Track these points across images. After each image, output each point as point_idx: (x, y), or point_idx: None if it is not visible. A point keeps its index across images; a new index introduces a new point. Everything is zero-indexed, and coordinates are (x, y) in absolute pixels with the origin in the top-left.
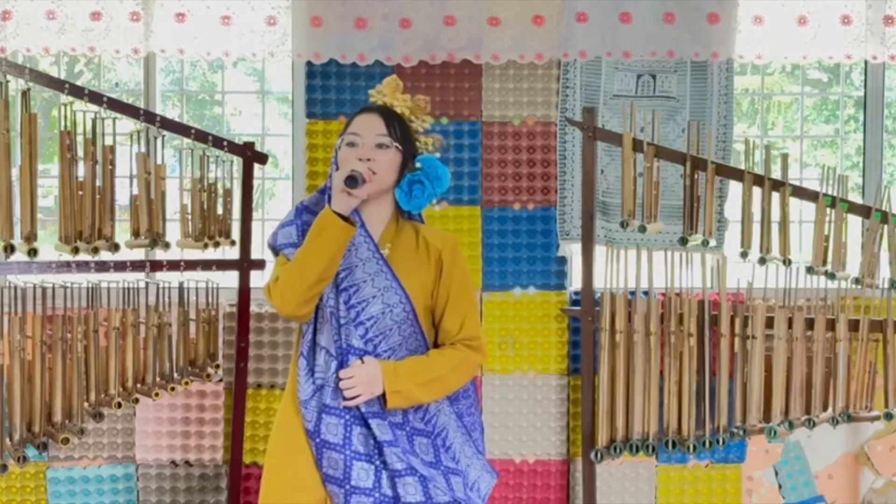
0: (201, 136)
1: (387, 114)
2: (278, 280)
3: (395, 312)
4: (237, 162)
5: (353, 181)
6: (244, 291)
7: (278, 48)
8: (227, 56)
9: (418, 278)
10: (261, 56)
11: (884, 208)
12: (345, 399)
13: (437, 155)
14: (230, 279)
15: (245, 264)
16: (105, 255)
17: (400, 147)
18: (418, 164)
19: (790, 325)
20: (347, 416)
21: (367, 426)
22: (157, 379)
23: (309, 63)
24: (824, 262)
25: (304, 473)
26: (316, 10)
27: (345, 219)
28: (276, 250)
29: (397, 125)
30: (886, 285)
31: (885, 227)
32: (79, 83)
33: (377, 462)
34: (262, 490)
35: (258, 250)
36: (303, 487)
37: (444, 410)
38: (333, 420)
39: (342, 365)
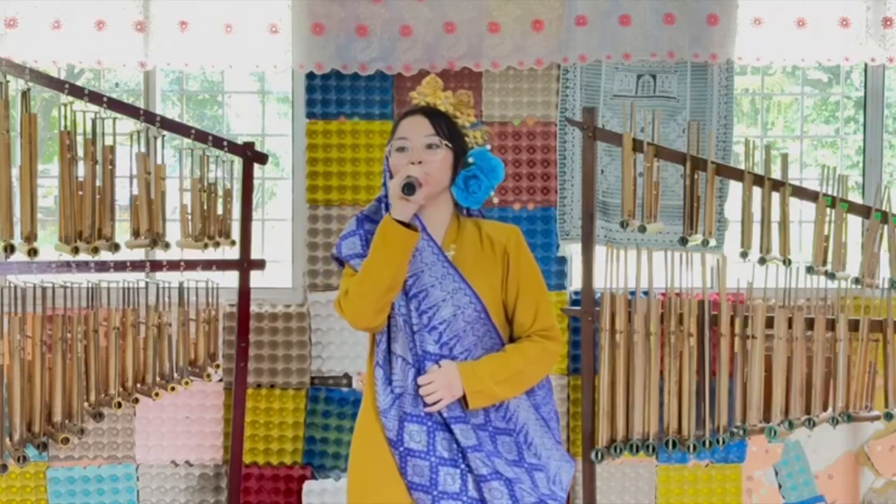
0: (201, 136)
1: (431, 113)
2: (348, 293)
3: (466, 313)
4: (237, 162)
5: (410, 188)
6: (244, 291)
7: (281, 58)
8: (231, 68)
9: (486, 276)
10: (264, 68)
11: (884, 208)
12: (426, 405)
13: (488, 147)
14: (230, 279)
15: (245, 264)
16: (105, 255)
17: (450, 145)
18: (471, 159)
19: (790, 325)
20: (430, 423)
21: (450, 431)
22: (157, 379)
23: None
24: (824, 262)
25: (389, 483)
26: (317, 16)
27: (406, 225)
28: (340, 262)
29: (444, 123)
30: (886, 285)
31: (885, 227)
32: (79, 83)
33: (462, 466)
34: (348, 497)
35: (258, 250)
36: (388, 497)
37: (522, 406)
38: (416, 427)
39: (419, 372)
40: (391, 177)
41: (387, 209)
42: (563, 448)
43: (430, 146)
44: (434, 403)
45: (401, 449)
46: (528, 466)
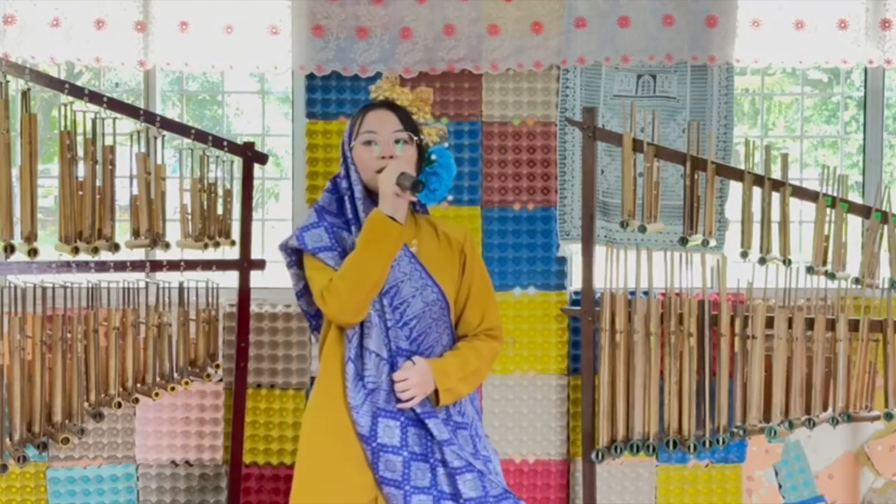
0: (201, 136)
1: (396, 108)
2: (333, 288)
3: (433, 310)
4: (237, 162)
5: (417, 184)
6: (244, 291)
7: (281, 59)
8: (231, 69)
9: (448, 273)
10: (264, 69)
11: (884, 208)
12: (399, 401)
13: (445, 144)
14: (230, 279)
15: (245, 264)
16: (105, 255)
17: (417, 140)
18: (434, 157)
19: (790, 325)
20: (403, 419)
21: (421, 426)
22: (157, 379)
23: None
24: (824, 262)
25: (358, 477)
26: (317, 18)
27: (394, 220)
28: (296, 253)
29: (408, 119)
30: (886, 285)
31: (885, 227)
32: (79, 83)
33: (432, 460)
34: (300, 489)
35: (258, 250)
36: (357, 490)
37: (466, 400)
38: (391, 423)
39: (393, 368)
40: (356, 171)
41: (351, 202)
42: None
43: (398, 141)
44: (408, 400)
45: (373, 444)
46: (482, 458)
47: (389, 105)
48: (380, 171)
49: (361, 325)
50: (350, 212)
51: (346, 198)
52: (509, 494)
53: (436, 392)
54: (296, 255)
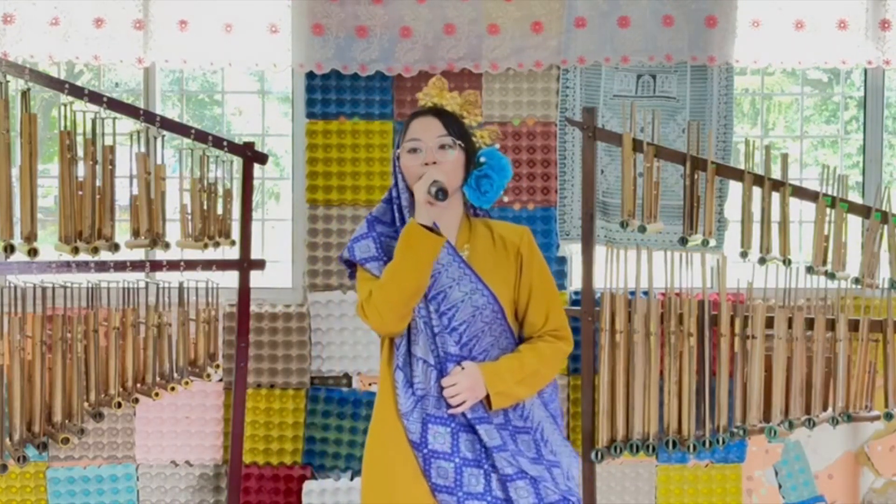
0: (201, 136)
1: (441, 114)
2: (372, 299)
3: (484, 314)
4: (237, 162)
5: (443, 193)
6: (244, 291)
7: (281, 57)
8: (230, 66)
9: (501, 276)
10: (263, 67)
11: (884, 208)
12: (449, 407)
13: (497, 146)
14: (230, 279)
15: (245, 264)
16: (105, 255)
17: (462, 145)
18: (483, 159)
19: (790, 325)
20: (453, 424)
21: (473, 432)
22: (157, 379)
23: None
24: (824, 262)
25: (412, 486)
26: (317, 17)
27: (429, 230)
28: (351, 265)
29: (454, 124)
30: (886, 285)
31: (885, 227)
32: (79, 83)
33: (486, 466)
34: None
35: (258, 250)
36: (412, 500)
37: (535, 403)
38: (440, 429)
39: (442, 373)
40: (403, 179)
41: (399, 212)
42: (569, 443)
43: (442, 147)
44: (458, 405)
45: (425, 451)
46: (546, 463)
47: (435, 111)
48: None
49: (409, 331)
50: (398, 221)
51: (395, 207)
52: (567, 502)
53: (488, 396)
54: (353, 267)
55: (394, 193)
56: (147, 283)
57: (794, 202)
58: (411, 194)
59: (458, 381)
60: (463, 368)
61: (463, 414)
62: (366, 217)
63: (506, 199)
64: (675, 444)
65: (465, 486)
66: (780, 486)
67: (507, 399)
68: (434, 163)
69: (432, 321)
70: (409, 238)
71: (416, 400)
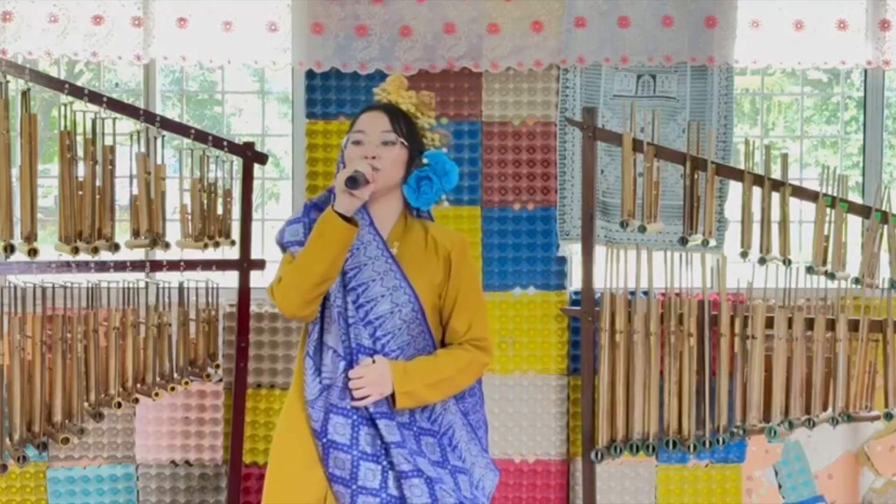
0: (201, 136)
1: (392, 111)
2: (281, 280)
3: (403, 312)
4: (237, 162)
5: (353, 182)
6: (244, 291)
7: (280, 56)
8: (229, 63)
9: (427, 277)
10: (263, 64)
11: (884, 208)
12: (353, 399)
13: (445, 151)
14: (230, 279)
15: (245, 264)
16: (105, 255)
17: (406, 143)
18: (425, 160)
19: (790, 325)
20: (355, 417)
21: (374, 426)
22: (157, 379)
23: None
24: (824, 262)
25: (308, 472)
26: (317, 16)
27: (347, 219)
28: (283, 247)
29: (402, 121)
30: (886, 285)
31: (885, 227)
32: (79, 83)
33: (384, 462)
34: (265, 488)
35: (258, 250)
36: (306, 486)
37: (450, 409)
38: (341, 420)
39: (351, 365)
40: (345, 167)
41: (334, 200)
42: (490, 458)
43: (385, 142)
44: (362, 399)
45: (324, 440)
46: (451, 468)
47: (386, 108)
48: None
49: (322, 319)
50: None
51: (332, 195)
52: None
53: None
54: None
55: (335, 182)
56: (147, 283)
57: (794, 202)
58: None
59: (364, 375)
60: (374, 362)
61: (366, 407)
62: (305, 202)
63: (502, 197)
64: (675, 444)
65: (360, 480)
66: (780, 486)
67: (412, 400)
68: (373, 157)
69: (347, 312)
70: (322, 224)
71: (322, 388)
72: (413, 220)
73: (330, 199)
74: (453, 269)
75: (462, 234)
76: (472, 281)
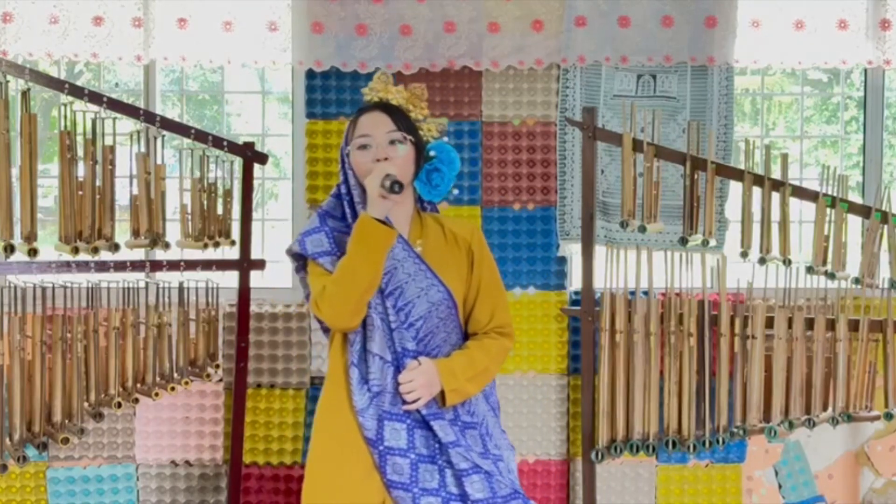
0: (201, 136)
1: (389, 109)
2: (326, 294)
3: (440, 309)
4: (237, 162)
5: (399, 186)
6: (244, 291)
7: (280, 55)
8: (229, 63)
9: (454, 272)
10: (263, 64)
11: (884, 208)
12: (404, 403)
13: (445, 139)
14: (230, 279)
15: (245, 264)
16: (105, 255)
17: (412, 139)
18: (432, 153)
19: (790, 325)
20: (409, 421)
21: (427, 428)
22: (157, 379)
23: None
24: (824, 262)
25: (365, 482)
26: (316, 16)
27: (381, 223)
28: (300, 258)
29: (402, 118)
30: (886, 285)
31: (885, 227)
32: (79, 83)
33: (440, 462)
34: (306, 498)
35: (258, 250)
36: (363, 496)
37: (479, 398)
38: (397, 426)
39: (398, 370)
40: (354, 175)
41: (351, 207)
42: (506, 434)
43: (393, 142)
44: (413, 402)
45: (381, 448)
46: (493, 458)
47: (382, 106)
48: None
49: (364, 328)
50: (350, 216)
51: (345, 203)
52: (518, 494)
53: (442, 392)
54: (302, 261)
55: (343, 189)
56: (147, 283)
57: (794, 202)
58: (363, 190)
59: (414, 378)
60: (419, 364)
61: (418, 410)
62: (316, 211)
63: (502, 197)
64: (675, 444)
65: (420, 482)
66: (780, 486)
67: (459, 396)
68: (385, 158)
69: (389, 317)
70: (362, 231)
71: (372, 397)
72: (426, 216)
73: (339, 206)
74: (476, 260)
75: (474, 223)
76: (491, 269)
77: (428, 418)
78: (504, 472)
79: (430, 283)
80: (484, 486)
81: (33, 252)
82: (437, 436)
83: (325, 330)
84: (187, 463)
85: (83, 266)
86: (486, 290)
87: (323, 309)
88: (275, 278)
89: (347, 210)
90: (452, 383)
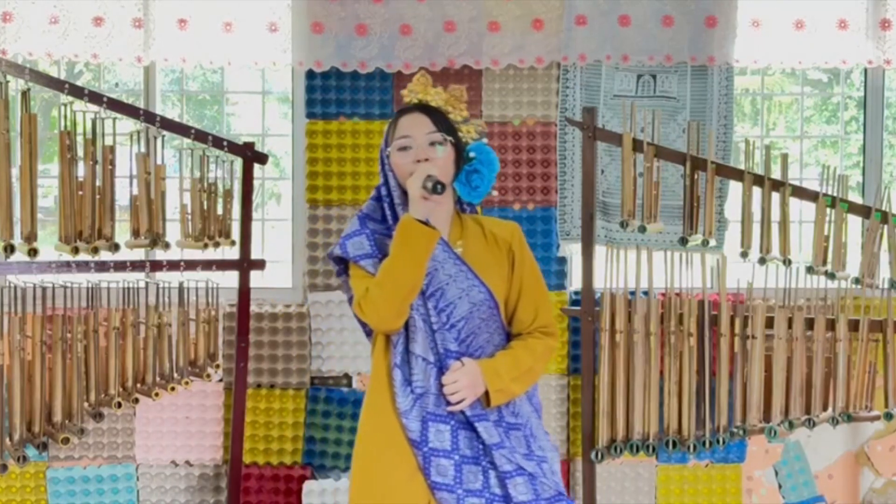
0: (201, 136)
1: (429, 110)
2: (369, 296)
3: (481, 310)
4: (237, 162)
5: (443, 187)
6: (244, 291)
7: (280, 56)
8: (229, 64)
9: (496, 272)
10: (263, 64)
11: (884, 208)
12: (448, 404)
13: (484, 140)
14: (230, 279)
15: (245, 264)
16: (105, 255)
17: (453, 140)
18: (472, 154)
19: (790, 325)
20: (453, 422)
21: (471, 429)
22: (157, 379)
23: None
24: (824, 262)
25: (409, 483)
26: (316, 16)
27: (423, 224)
28: (342, 262)
29: (442, 119)
30: (886, 285)
31: (885, 227)
32: (79, 83)
33: (483, 463)
34: (352, 500)
35: (258, 250)
36: (409, 497)
37: (522, 399)
38: (442, 427)
39: (441, 371)
40: (395, 177)
41: (391, 209)
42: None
43: (433, 143)
44: (457, 403)
45: (425, 449)
46: (537, 459)
47: (422, 108)
48: None
49: (406, 329)
50: (391, 218)
51: (385, 205)
52: (562, 496)
53: (487, 393)
54: (343, 264)
55: (383, 191)
56: (147, 283)
57: (794, 202)
58: (403, 191)
59: (458, 379)
60: (462, 365)
61: (462, 411)
62: (356, 214)
63: (502, 197)
64: (675, 444)
65: (464, 484)
66: (780, 486)
67: (504, 396)
68: (426, 159)
69: (431, 318)
70: (405, 233)
71: (415, 398)
72: (465, 217)
73: (378, 209)
74: (517, 260)
75: (515, 223)
76: (533, 269)
77: (472, 419)
78: (548, 474)
79: (470, 284)
80: (528, 487)
81: (33, 252)
82: (480, 437)
83: (368, 333)
84: (187, 463)
85: (83, 266)
86: (528, 290)
87: (366, 311)
88: (275, 278)
89: (388, 212)
90: (497, 383)
